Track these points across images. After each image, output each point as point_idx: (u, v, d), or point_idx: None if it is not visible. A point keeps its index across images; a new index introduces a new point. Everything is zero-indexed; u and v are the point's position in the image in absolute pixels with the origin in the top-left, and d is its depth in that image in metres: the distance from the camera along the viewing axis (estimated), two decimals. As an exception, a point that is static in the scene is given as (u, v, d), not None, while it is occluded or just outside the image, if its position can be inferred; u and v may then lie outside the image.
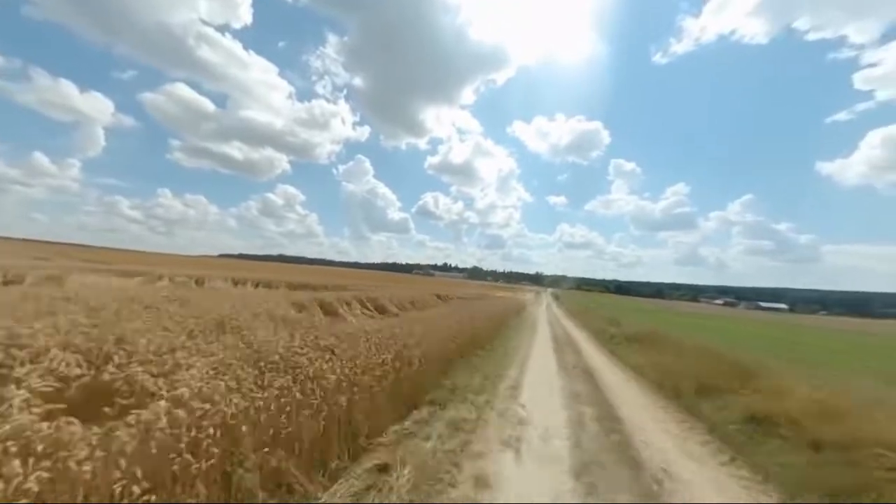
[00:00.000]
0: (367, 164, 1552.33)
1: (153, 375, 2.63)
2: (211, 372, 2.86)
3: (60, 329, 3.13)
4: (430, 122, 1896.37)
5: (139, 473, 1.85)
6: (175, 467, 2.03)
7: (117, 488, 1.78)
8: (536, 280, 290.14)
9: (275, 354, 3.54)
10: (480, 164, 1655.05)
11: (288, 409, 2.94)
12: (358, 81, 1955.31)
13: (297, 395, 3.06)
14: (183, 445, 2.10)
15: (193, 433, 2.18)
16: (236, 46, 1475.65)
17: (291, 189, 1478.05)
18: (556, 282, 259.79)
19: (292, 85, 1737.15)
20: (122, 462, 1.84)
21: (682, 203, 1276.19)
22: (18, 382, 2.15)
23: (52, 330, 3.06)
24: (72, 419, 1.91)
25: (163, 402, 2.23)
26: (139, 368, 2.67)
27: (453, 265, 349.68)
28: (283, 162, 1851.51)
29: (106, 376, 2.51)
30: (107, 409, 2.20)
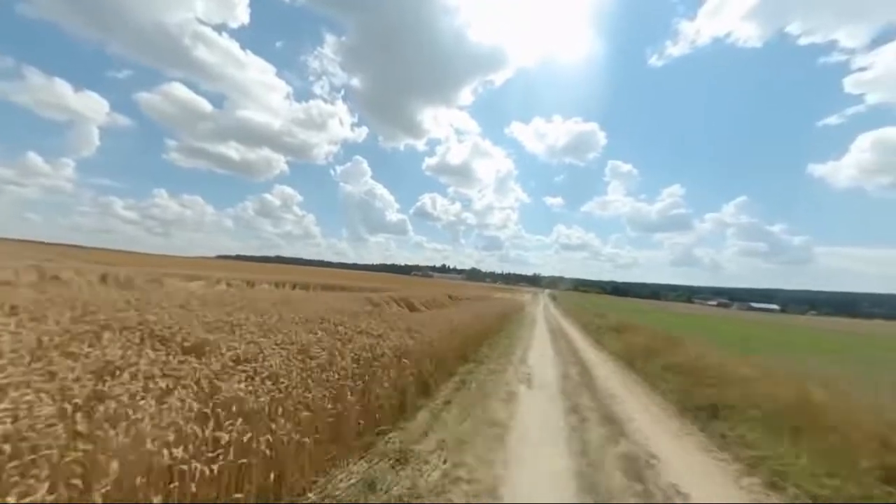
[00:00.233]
0: (365, 164, 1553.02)
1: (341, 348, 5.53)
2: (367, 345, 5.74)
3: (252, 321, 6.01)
4: (428, 122, 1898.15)
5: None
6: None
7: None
8: (534, 281, 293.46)
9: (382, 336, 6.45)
10: (478, 165, 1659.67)
11: (404, 361, 5.77)
12: (356, 82, 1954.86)
13: (404, 360, 5.86)
14: (370, 376, 4.97)
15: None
16: (233, 46, 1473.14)
17: (289, 190, 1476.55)
18: (553, 283, 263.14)
19: (290, 85, 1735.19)
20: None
21: (678, 204, 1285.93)
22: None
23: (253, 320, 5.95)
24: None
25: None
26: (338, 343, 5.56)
27: (451, 266, 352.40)
28: (280, 162, 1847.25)
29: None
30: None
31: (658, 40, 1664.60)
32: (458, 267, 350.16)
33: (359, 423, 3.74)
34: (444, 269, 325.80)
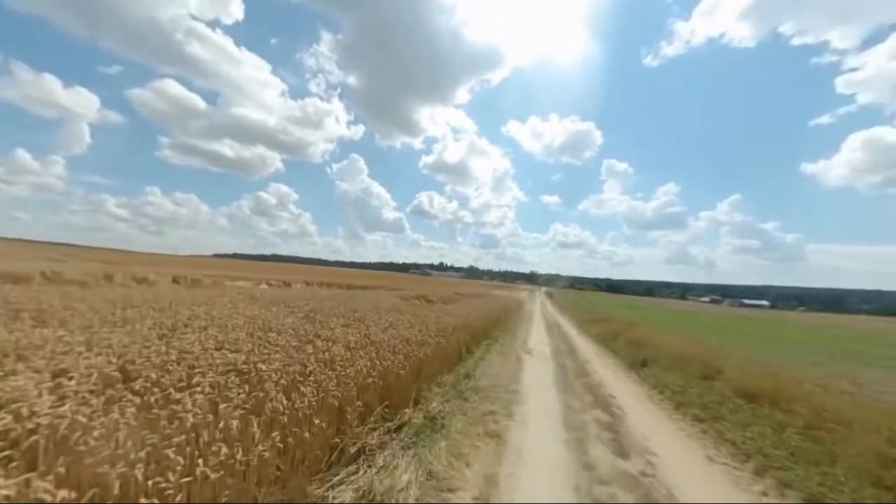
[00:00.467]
0: (362, 163, 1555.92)
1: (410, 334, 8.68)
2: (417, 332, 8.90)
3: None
4: (425, 121, 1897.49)
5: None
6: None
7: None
8: (531, 279, 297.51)
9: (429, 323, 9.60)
10: (475, 164, 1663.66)
11: (442, 342, 8.93)
12: (352, 80, 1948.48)
13: (443, 340, 9.03)
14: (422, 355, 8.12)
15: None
16: (227, 43, 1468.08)
17: (284, 188, 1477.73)
18: (549, 281, 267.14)
19: (285, 83, 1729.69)
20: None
21: (673, 203, 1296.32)
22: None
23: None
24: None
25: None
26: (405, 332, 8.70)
27: (449, 265, 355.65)
28: (275, 160, 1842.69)
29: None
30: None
31: (653, 40, 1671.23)
32: (456, 265, 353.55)
33: (440, 362, 6.90)
34: (441, 268, 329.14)
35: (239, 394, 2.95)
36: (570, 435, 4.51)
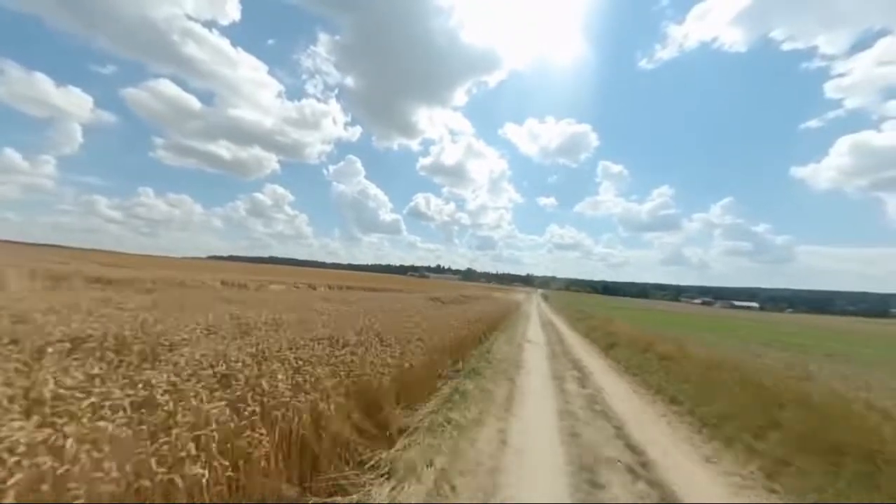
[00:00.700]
0: (359, 164, 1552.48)
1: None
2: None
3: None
4: (422, 122, 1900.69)
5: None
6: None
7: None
8: (527, 281, 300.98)
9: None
10: (472, 166, 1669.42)
11: (471, 329, 12.11)
12: (350, 81, 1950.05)
13: (471, 327, 12.19)
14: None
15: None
16: (224, 43, 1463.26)
17: (280, 189, 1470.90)
18: (545, 283, 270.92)
19: (282, 84, 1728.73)
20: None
21: (668, 205, 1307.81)
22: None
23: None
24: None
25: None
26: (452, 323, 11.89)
27: (446, 267, 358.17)
28: (272, 161, 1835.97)
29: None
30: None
31: (648, 44, 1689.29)
32: (453, 267, 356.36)
33: (464, 347, 10.09)
34: (439, 270, 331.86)
35: (418, 351, 6.11)
36: (554, 381, 7.71)
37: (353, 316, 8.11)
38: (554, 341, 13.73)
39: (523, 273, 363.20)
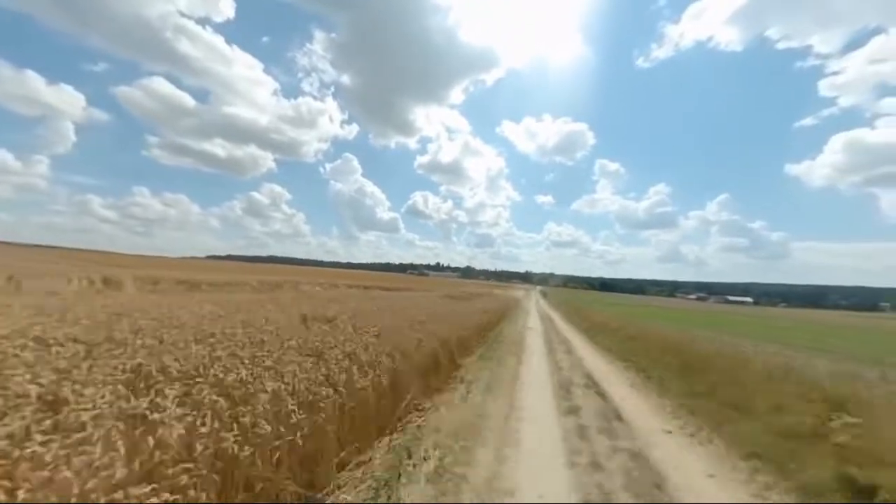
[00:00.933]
0: (356, 162, 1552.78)
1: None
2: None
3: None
4: (419, 120, 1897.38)
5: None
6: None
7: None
8: (526, 278, 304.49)
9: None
10: (470, 164, 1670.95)
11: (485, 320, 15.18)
12: (346, 79, 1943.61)
13: (485, 317, 15.27)
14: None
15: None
16: (218, 40, 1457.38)
17: (277, 188, 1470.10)
18: (544, 280, 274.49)
19: (277, 81, 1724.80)
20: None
21: (664, 202, 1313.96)
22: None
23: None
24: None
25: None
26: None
27: (445, 264, 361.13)
28: (268, 160, 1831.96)
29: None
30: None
31: (644, 43, 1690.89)
32: (451, 265, 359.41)
33: (483, 330, 13.15)
34: (438, 268, 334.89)
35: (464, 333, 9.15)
36: (549, 354, 10.77)
37: (413, 308, 11.21)
38: (549, 329, 16.81)
39: (522, 270, 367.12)
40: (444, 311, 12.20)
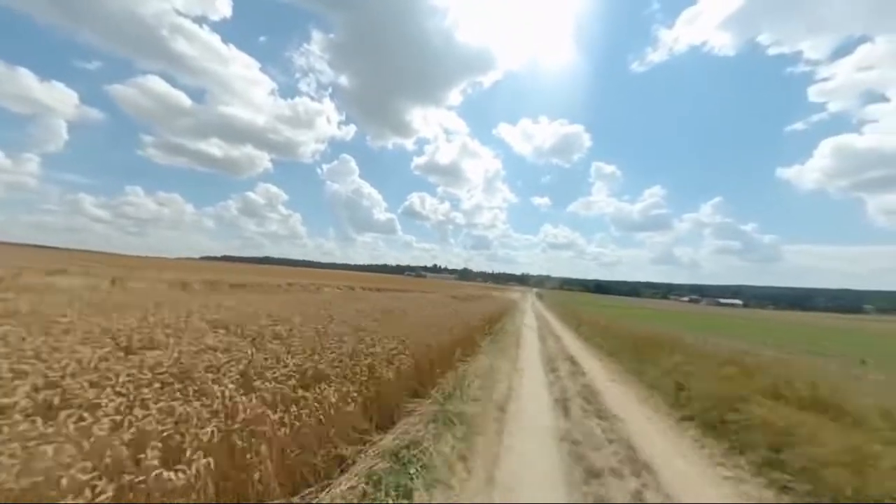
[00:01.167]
0: (353, 163, 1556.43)
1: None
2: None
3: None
4: (417, 122, 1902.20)
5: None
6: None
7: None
8: (522, 280, 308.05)
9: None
10: (467, 165, 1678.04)
11: (488, 316, 18.18)
12: (344, 80, 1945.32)
13: (487, 316, 18.28)
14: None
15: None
16: (214, 39, 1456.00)
17: (273, 188, 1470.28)
18: (540, 282, 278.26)
19: (275, 81, 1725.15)
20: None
21: (659, 205, 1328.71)
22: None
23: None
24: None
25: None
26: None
27: (442, 266, 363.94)
28: (264, 160, 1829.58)
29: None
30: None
31: (639, 47, 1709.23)
32: (448, 266, 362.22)
33: (489, 324, 16.14)
34: (436, 269, 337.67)
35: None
36: (541, 342, 13.78)
37: (436, 305, 14.18)
38: (543, 326, 19.85)
39: (518, 272, 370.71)
40: (458, 309, 15.15)
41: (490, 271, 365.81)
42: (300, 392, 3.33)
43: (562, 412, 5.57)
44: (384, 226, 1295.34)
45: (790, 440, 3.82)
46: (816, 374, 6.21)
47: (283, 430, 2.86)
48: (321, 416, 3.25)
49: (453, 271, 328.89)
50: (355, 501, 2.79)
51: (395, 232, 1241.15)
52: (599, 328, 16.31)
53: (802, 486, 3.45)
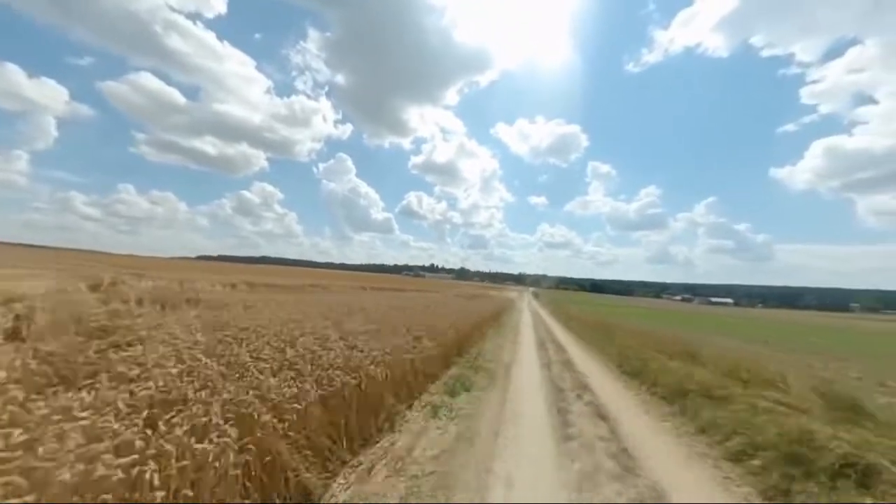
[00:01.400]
0: (349, 162, 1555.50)
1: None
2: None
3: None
4: (414, 121, 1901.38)
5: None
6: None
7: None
8: (519, 280, 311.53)
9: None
10: (464, 165, 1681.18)
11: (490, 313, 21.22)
12: (340, 79, 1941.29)
13: (490, 312, 21.31)
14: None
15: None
16: (209, 36, 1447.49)
17: (269, 187, 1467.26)
18: (536, 281, 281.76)
19: (270, 79, 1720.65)
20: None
21: (654, 204, 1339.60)
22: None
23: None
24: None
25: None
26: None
27: (439, 265, 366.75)
28: (260, 159, 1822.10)
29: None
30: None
31: (635, 48, 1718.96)
32: (446, 266, 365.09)
33: (491, 319, 19.16)
34: (433, 269, 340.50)
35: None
36: (535, 331, 16.80)
37: (448, 303, 17.17)
38: (538, 322, 22.89)
39: (515, 272, 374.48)
40: (465, 305, 18.13)
41: (487, 270, 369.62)
42: (410, 347, 6.34)
43: (546, 369, 8.59)
44: (381, 225, 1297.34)
45: (663, 373, 6.89)
46: (718, 347, 9.28)
47: (410, 360, 5.88)
48: (421, 359, 6.25)
49: (450, 271, 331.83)
50: (438, 401, 5.77)
51: (393, 231, 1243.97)
52: (583, 322, 19.34)
53: (654, 387, 6.63)
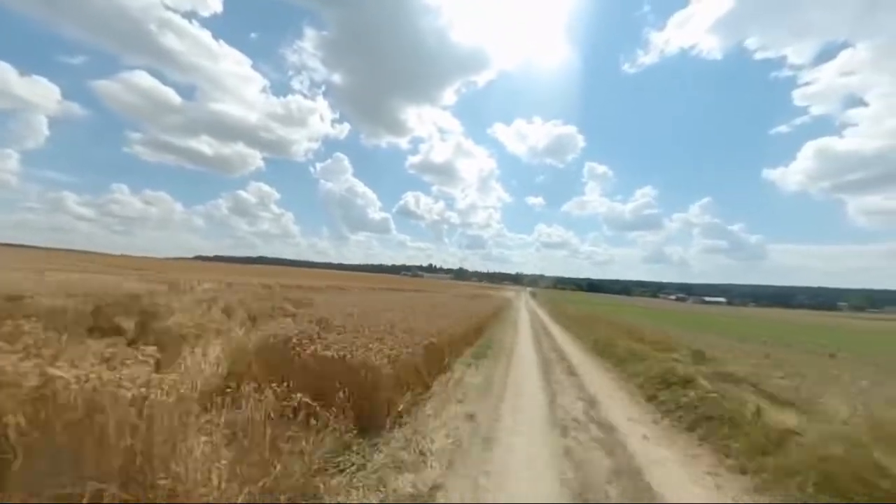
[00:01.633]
0: (346, 162, 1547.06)
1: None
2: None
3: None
4: (411, 121, 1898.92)
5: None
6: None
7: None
8: (516, 280, 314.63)
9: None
10: (461, 165, 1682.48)
11: (491, 311, 24.40)
12: (337, 78, 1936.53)
13: (491, 310, 24.49)
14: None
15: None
16: (205, 35, 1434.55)
17: (265, 187, 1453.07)
18: (534, 281, 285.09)
19: (267, 78, 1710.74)
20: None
21: (650, 205, 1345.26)
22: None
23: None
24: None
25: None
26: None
27: (437, 266, 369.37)
28: (256, 159, 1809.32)
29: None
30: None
31: (630, 49, 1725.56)
32: (444, 266, 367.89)
33: (491, 316, 22.35)
34: (431, 269, 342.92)
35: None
36: (532, 327, 20.00)
37: (455, 302, 20.34)
38: (535, 319, 26.10)
39: (513, 272, 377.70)
40: (468, 305, 21.27)
41: (485, 270, 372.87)
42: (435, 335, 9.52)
43: (539, 349, 11.79)
44: (378, 225, 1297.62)
45: (619, 349, 10.10)
46: (685, 338, 12.52)
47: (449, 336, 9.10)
48: (447, 343, 9.43)
49: (448, 271, 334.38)
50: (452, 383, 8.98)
51: (390, 231, 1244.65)
52: (575, 318, 22.56)
53: (610, 357, 9.87)
